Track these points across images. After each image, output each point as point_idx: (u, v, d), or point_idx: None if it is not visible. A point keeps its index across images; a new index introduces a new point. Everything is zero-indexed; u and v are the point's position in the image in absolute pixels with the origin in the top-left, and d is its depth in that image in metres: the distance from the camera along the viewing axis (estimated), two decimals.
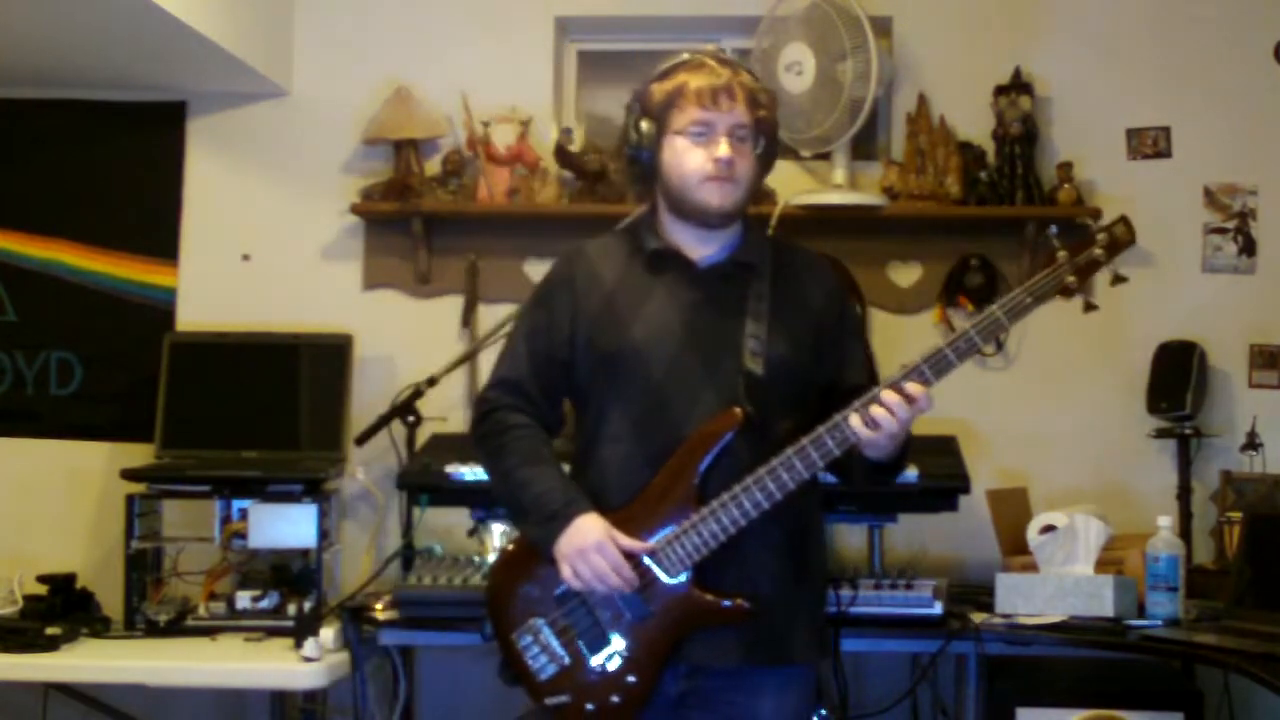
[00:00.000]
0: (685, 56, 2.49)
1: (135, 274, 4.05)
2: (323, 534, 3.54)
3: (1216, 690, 3.34)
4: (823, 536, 2.61)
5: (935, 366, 2.34)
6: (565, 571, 2.40)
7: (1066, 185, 3.77)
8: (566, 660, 2.45)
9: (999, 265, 3.84)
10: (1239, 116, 3.84)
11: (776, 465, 2.35)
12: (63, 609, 3.50)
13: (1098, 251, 2.37)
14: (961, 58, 3.92)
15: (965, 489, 3.43)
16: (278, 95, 4.02)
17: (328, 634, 3.27)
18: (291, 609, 3.49)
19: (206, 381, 3.87)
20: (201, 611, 3.55)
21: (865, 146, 3.99)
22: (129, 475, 3.61)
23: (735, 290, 2.49)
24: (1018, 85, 3.83)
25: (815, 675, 2.59)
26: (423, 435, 3.72)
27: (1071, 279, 2.35)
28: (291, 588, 3.57)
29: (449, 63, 3.99)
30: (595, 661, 2.44)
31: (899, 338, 3.85)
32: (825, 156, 3.87)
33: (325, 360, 3.85)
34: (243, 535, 3.54)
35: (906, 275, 3.93)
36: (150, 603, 3.57)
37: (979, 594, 3.40)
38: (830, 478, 2.53)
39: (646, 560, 2.39)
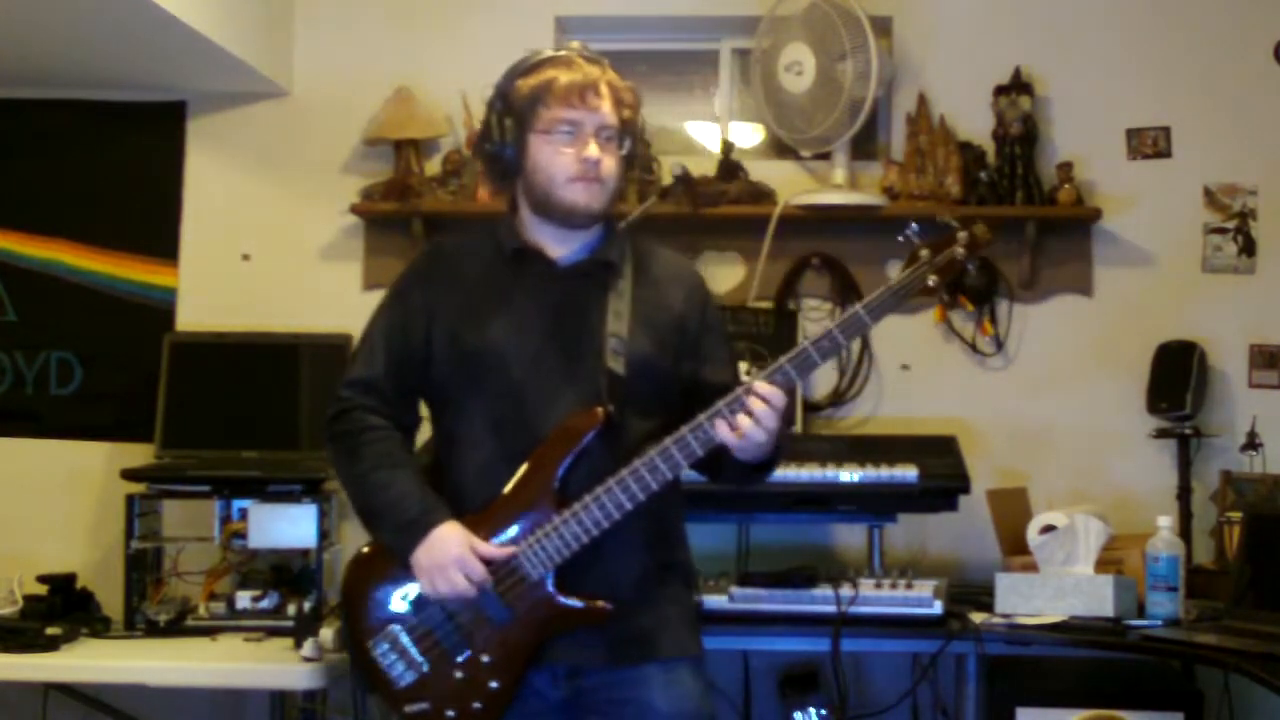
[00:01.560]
0: (550, 52, 2.47)
1: (135, 274, 4.05)
2: (323, 534, 3.54)
3: (1216, 690, 3.34)
4: (683, 531, 2.57)
5: (799, 365, 2.33)
6: (424, 585, 2.37)
7: (1066, 185, 3.77)
8: (425, 667, 2.41)
9: (999, 265, 3.84)
10: (1239, 116, 3.84)
11: (639, 466, 2.32)
12: (63, 609, 3.50)
13: (958, 250, 2.35)
14: (961, 58, 3.92)
15: (965, 489, 3.43)
16: (278, 95, 4.02)
17: (328, 634, 3.27)
18: (291, 609, 3.49)
19: (206, 381, 3.87)
20: (201, 611, 3.55)
21: (865, 146, 3.99)
22: (129, 475, 3.61)
23: (596, 289, 2.46)
24: (1018, 85, 3.83)
25: (701, 665, 2.52)
26: (422, 435, 3.71)
27: (933, 278, 2.34)
28: (291, 588, 3.57)
29: (449, 63, 3.99)
30: (456, 667, 2.40)
31: (899, 338, 3.85)
32: (825, 156, 3.87)
33: (325, 360, 3.85)
34: (243, 535, 3.54)
35: None
36: (150, 603, 3.57)
37: (979, 594, 3.40)
38: (697, 476, 2.48)
39: (508, 564, 2.36)
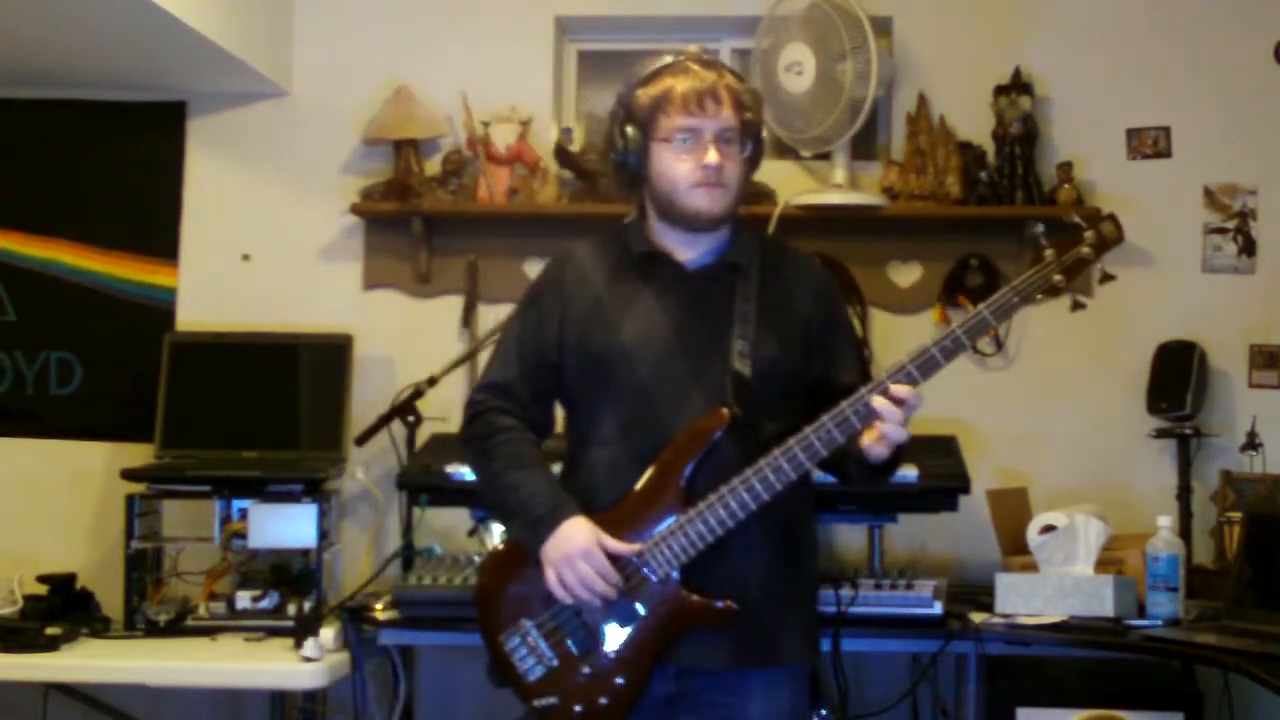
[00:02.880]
0: (668, 59, 2.48)
1: (135, 274, 4.05)
2: (323, 534, 3.54)
3: (1216, 690, 3.34)
4: (815, 537, 2.61)
5: (923, 367, 2.36)
6: (550, 577, 2.39)
7: (1066, 185, 3.78)
8: (555, 662, 2.44)
9: (999, 265, 3.84)
10: (1239, 116, 3.84)
11: (764, 466, 2.34)
12: (63, 609, 3.50)
13: (1086, 250, 2.36)
14: (961, 58, 3.92)
15: (965, 489, 3.43)
16: (278, 95, 4.02)
17: (328, 634, 3.27)
18: (291, 609, 3.49)
19: (206, 381, 3.87)
20: (201, 611, 3.55)
21: (865, 146, 3.99)
22: (129, 475, 3.61)
23: (723, 292, 2.48)
24: (1018, 85, 3.83)
25: (808, 676, 2.57)
26: (423, 435, 3.72)
27: (1059, 278, 2.35)
28: (291, 588, 3.56)
29: (449, 63, 3.99)
30: (583, 663, 2.43)
31: (899, 338, 3.85)
32: (825, 156, 3.88)
33: (325, 360, 3.85)
34: (243, 535, 3.54)
35: (906, 275, 3.93)
36: (150, 603, 3.57)
37: (979, 594, 3.40)
38: (828, 477, 2.52)
39: (634, 562, 2.38)
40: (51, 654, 3.29)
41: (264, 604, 3.53)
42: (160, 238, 4.05)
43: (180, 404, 3.83)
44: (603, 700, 2.42)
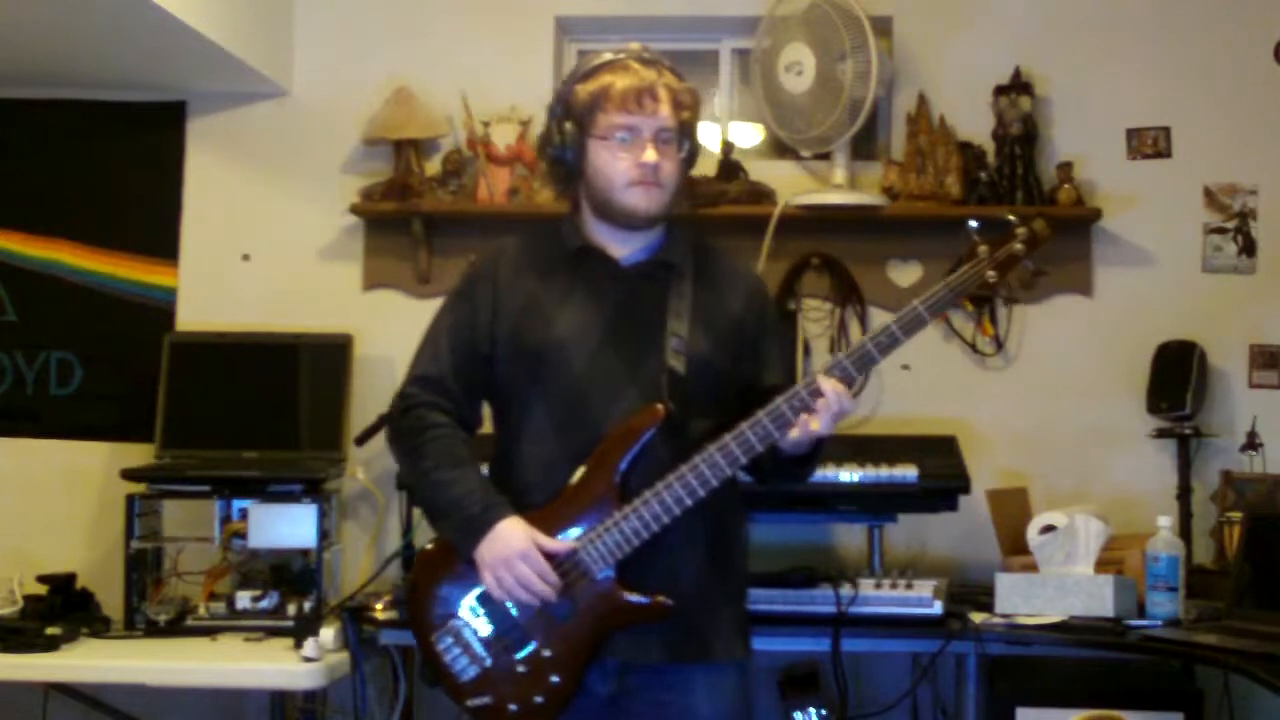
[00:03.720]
0: (608, 56, 2.47)
1: (135, 274, 4.05)
2: (323, 534, 3.54)
3: (1216, 690, 3.33)
4: (744, 534, 2.59)
5: (858, 362, 2.35)
6: (487, 579, 2.38)
7: (1066, 185, 3.78)
8: (488, 661, 2.42)
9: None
10: (1239, 116, 3.84)
11: (699, 462, 2.34)
12: (63, 609, 3.50)
13: (1017, 246, 2.36)
14: (961, 58, 3.92)
15: (965, 489, 3.44)
16: (278, 95, 4.02)
17: (328, 634, 3.27)
18: (291, 609, 3.50)
19: (206, 381, 3.87)
20: (201, 611, 3.55)
21: (865, 146, 3.99)
22: (129, 475, 3.61)
23: (657, 289, 2.48)
24: (1018, 85, 3.83)
25: (747, 670, 2.55)
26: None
27: (992, 274, 2.35)
28: (291, 588, 3.57)
29: (449, 63, 3.99)
30: (518, 662, 2.41)
31: None
32: (825, 156, 3.88)
33: (325, 360, 3.85)
34: (243, 535, 3.54)
35: (906, 275, 3.93)
36: (150, 603, 3.57)
37: (979, 594, 3.40)
38: (744, 477, 2.50)
39: (569, 559, 2.37)
40: (51, 654, 3.29)
41: (264, 604, 3.52)
42: (160, 238, 4.05)
43: (180, 404, 3.83)
44: (538, 699, 2.40)
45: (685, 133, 2.47)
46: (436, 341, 2.54)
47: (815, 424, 2.31)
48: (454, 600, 2.45)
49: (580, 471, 2.39)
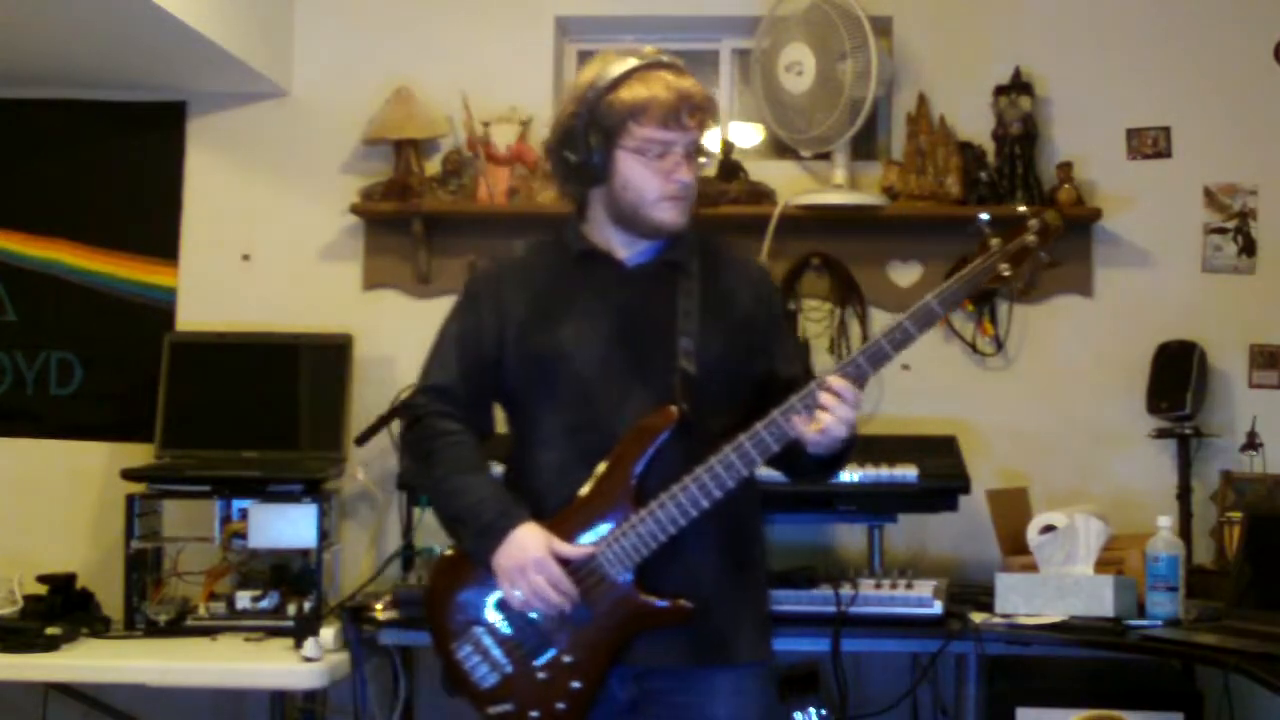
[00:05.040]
0: (633, 61, 2.40)
1: (135, 274, 4.05)
2: (323, 534, 3.54)
3: (1216, 690, 3.34)
4: (763, 534, 2.58)
5: (872, 358, 2.33)
6: (504, 587, 2.36)
7: (1066, 185, 3.78)
8: (509, 668, 2.41)
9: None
10: (1239, 116, 3.84)
11: (714, 463, 2.32)
12: (63, 609, 3.50)
13: (1030, 238, 2.34)
14: (961, 58, 3.92)
15: (965, 489, 3.44)
16: (278, 95, 4.02)
17: (328, 634, 3.27)
18: (291, 609, 3.49)
19: (206, 381, 3.87)
20: (201, 611, 3.55)
21: (865, 146, 3.99)
22: (129, 475, 3.61)
23: (664, 290, 2.45)
24: (1018, 85, 3.83)
25: (769, 674, 2.54)
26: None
27: (1004, 266, 2.33)
28: (291, 588, 3.56)
29: (449, 63, 3.99)
30: (538, 668, 2.39)
31: None
32: (825, 156, 3.88)
33: (325, 360, 3.85)
34: (243, 535, 3.54)
35: (906, 275, 3.93)
36: (150, 603, 3.57)
37: (979, 594, 3.40)
38: (773, 474, 2.49)
39: (587, 564, 2.35)
40: (51, 654, 3.29)
41: (264, 604, 3.52)
42: (160, 238, 4.05)
43: (180, 404, 3.83)
44: (560, 705, 2.38)
45: (704, 143, 2.46)
46: (444, 350, 2.52)
47: (833, 424, 2.28)
48: (473, 607, 2.43)
49: (596, 475, 2.38)
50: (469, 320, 2.50)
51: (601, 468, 2.37)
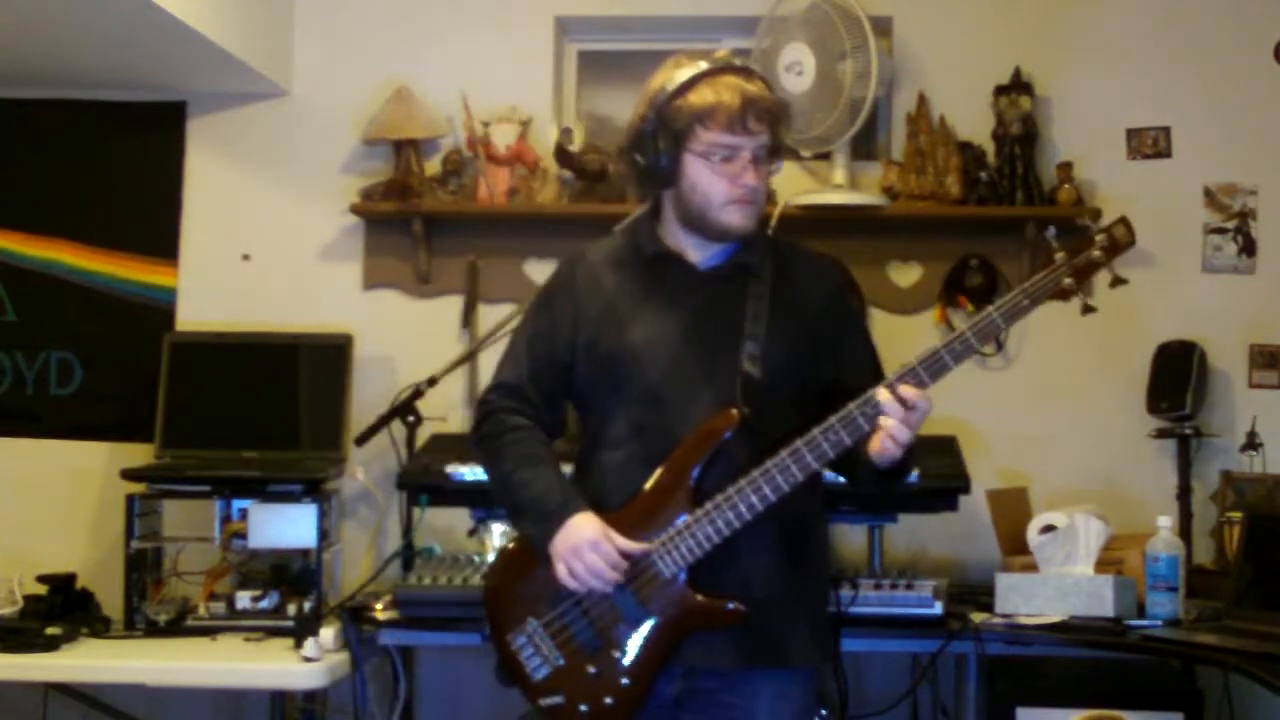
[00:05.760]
0: (703, 65, 2.42)
1: (135, 274, 4.05)
2: (323, 534, 3.54)
3: (1216, 690, 3.33)
4: (825, 538, 2.60)
5: (931, 369, 2.33)
6: (560, 570, 2.39)
7: (1066, 185, 3.77)
8: (561, 661, 2.44)
9: (999, 265, 3.84)
10: (1239, 116, 3.84)
11: (771, 467, 2.33)
12: (63, 609, 3.50)
13: (1096, 253, 2.35)
14: (961, 58, 3.92)
15: (965, 489, 3.43)
16: (278, 95, 4.02)
17: (328, 634, 3.27)
18: (291, 609, 3.49)
19: (206, 381, 3.87)
20: (201, 611, 3.55)
21: (865, 146, 3.99)
22: (129, 475, 3.61)
23: (734, 292, 2.47)
24: (1018, 85, 3.83)
25: (816, 678, 2.57)
26: (423, 435, 3.72)
27: (1069, 281, 2.33)
28: (291, 588, 3.56)
29: (449, 63, 3.99)
30: (589, 663, 2.42)
31: (899, 338, 3.84)
32: (825, 156, 3.88)
33: (325, 360, 3.85)
34: (243, 535, 3.54)
35: (906, 275, 3.93)
36: (150, 603, 3.57)
37: (979, 594, 3.40)
38: (838, 478, 2.51)
39: (643, 561, 2.38)
40: (51, 654, 3.29)
41: (264, 604, 3.52)
42: (160, 238, 4.05)
43: (180, 404, 3.83)
44: (608, 700, 2.42)
45: (776, 147, 2.46)
46: (517, 350, 2.56)
47: (897, 430, 2.28)
48: (531, 599, 2.46)
49: (656, 475, 2.40)
50: (543, 320, 2.54)
51: (661, 469, 2.39)
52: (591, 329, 2.48)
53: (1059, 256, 2.33)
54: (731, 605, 2.38)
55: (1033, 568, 3.33)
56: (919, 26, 3.95)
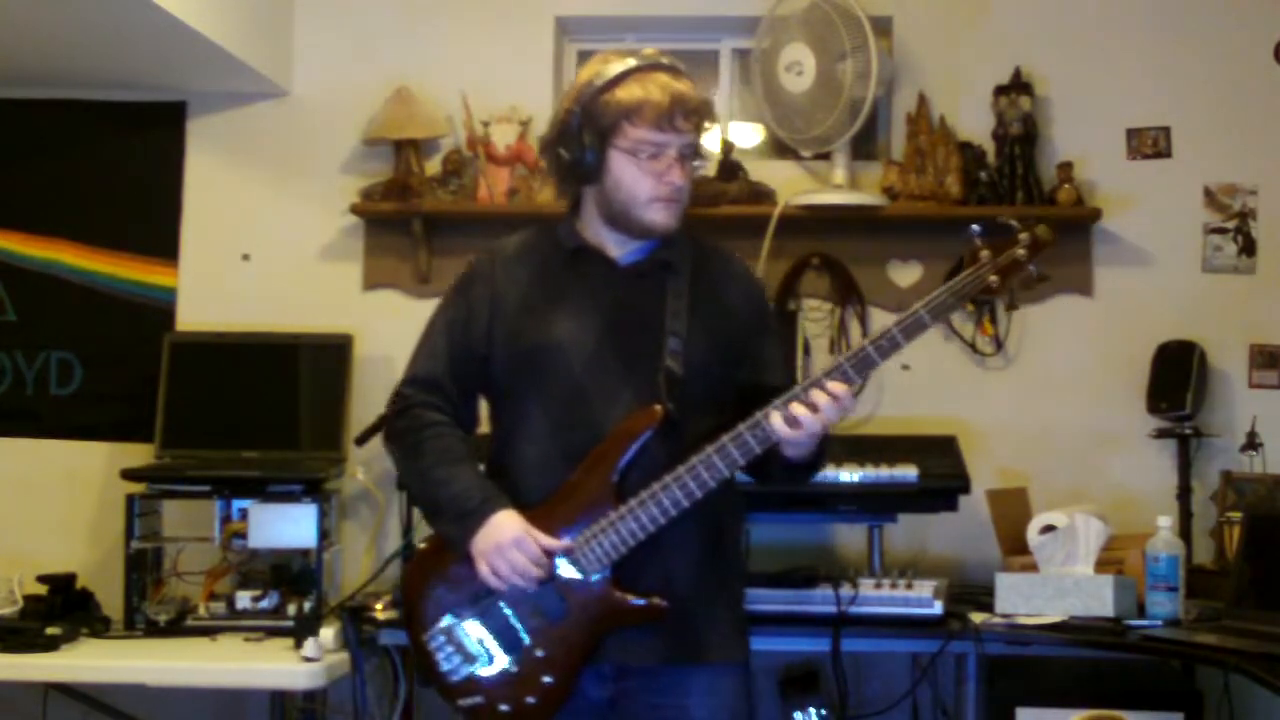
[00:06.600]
0: (631, 62, 2.42)
1: (135, 274, 4.05)
2: (323, 534, 3.54)
3: (1216, 690, 3.34)
4: (740, 535, 2.59)
5: (858, 365, 2.33)
6: (483, 569, 2.37)
7: (1066, 185, 3.78)
8: (480, 661, 2.43)
9: None
10: (1239, 116, 3.84)
11: (696, 463, 2.33)
12: (63, 609, 3.50)
13: (1020, 252, 2.34)
14: (961, 58, 3.92)
15: (965, 489, 3.43)
16: (278, 95, 4.02)
17: (328, 634, 3.27)
18: (291, 609, 3.50)
19: (206, 381, 3.87)
20: (201, 611, 3.55)
21: (865, 146, 3.99)
22: (129, 475, 3.61)
23: (654, 289, 2.47)
24: (1018, 85, 3.83)
25: (745, 676, 2.54)
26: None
27: (994, 278, 2.33)
28: (291, 588, 3.57)
29: (449, 63, 3.99)
30: (510, 662, 2.41)
31: None
32: (825, 156, 3.88)
33: (325, 360, 3.85)
34: (243, 535, 3.54)
35: (906, 275, 3.93)
36: (150, 603, 3.57)
37: (979, 594, 3.40)
38: (745, 477, 2.50)
39: (564, 558, 2.37)
40: (51, 654, 3.29)
41: (264, 604, 3.53)
42: (160, 238, 4.05)
43: (180, 404, 3.83)
44: (530, 699, 2.40)
45: (699, 145, 2.46)
46: (433, 341, 2.54)
47: (814, 425, 2.29)
48: (448, 599, 2.45)
49: (578, 472, 2.39)
50: (459, 312, 2.52)
51: (583, 465, 2.38)
52: (512, 322, 2.46)
53: (984, 254, 2.34)
54: (652, 601, 2.37)
55: (1033, 568, 3.33)
56: (919, 26, 3.95)
